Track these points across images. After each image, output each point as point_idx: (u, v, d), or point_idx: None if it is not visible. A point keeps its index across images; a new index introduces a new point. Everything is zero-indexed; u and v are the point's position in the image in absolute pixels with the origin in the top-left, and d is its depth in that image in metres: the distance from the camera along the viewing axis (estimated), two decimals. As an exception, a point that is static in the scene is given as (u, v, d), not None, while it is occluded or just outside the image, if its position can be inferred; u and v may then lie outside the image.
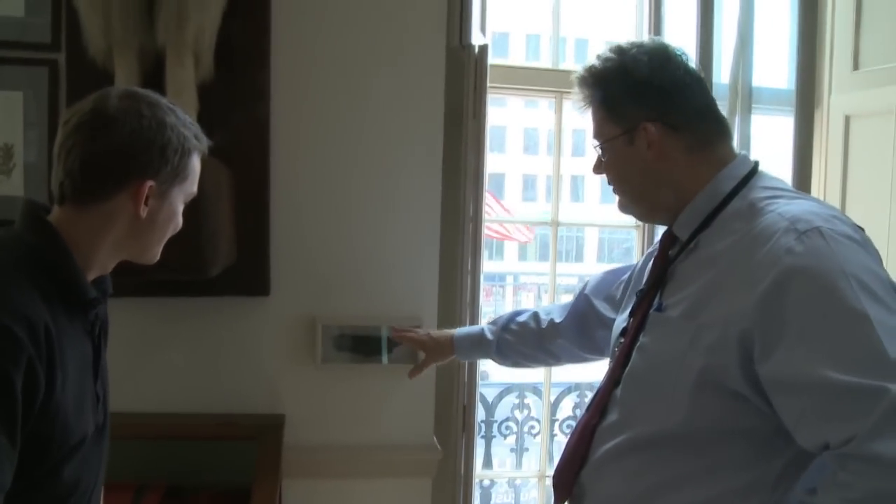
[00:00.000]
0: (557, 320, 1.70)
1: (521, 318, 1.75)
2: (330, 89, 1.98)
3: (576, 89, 1.32)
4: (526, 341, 1.73)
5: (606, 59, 1.28)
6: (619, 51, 1.28)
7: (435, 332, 1.88)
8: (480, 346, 1.77)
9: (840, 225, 1.09)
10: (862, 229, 1.13)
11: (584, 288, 1.71)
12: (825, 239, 1.05)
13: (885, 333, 0.98)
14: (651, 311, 1.25)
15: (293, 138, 1.97)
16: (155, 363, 1.99)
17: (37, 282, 1.05)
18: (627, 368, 1.25)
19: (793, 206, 1.14)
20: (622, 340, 1.30)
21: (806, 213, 1.11)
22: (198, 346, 2.00)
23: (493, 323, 1.79)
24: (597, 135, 1.29)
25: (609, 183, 1.33)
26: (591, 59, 1.30)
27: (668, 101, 1.24)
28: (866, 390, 0.96)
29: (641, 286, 1.34)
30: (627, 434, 1.22)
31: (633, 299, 1.34)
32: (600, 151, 1.30)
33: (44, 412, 1.02)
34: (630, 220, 2.59)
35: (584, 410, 1.36)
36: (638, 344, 1.24)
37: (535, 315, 1.74)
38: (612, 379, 1.29)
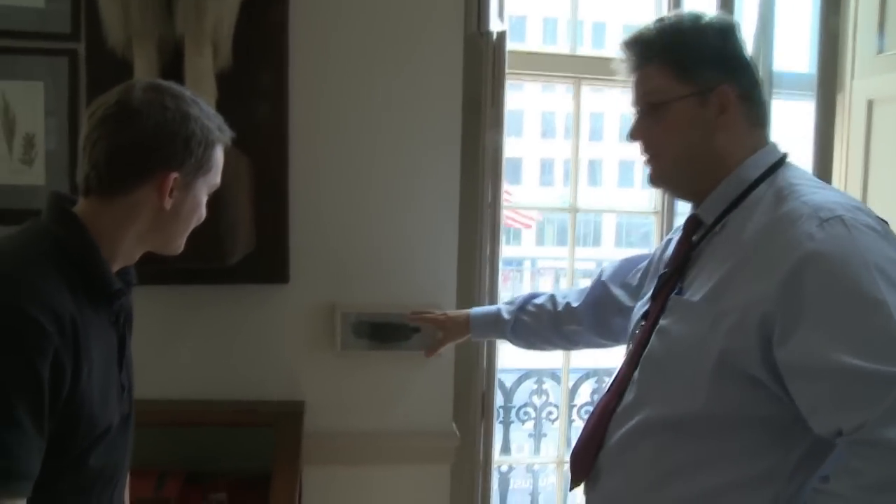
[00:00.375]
0: (574, 304, 1.70)
1: (538, 300, 1.76)
2: (348, 78, 1.99)
3: (631, 45, 1.28)
4: (542, 323, 1.73)
5: (678, 21, 1.26)
6: (693, 16, 1.26)
7: (452, 312, 1.90)
8: (496, 325, 1.78)
9: (863, 216, 1.09)
10: (885, 222, 1.13)
11: (601, 275, 1.71)
12: (847, 227, 1.05)
13: None
14: (672, 294, 1.25)
15: (311, 126, 1.98)
16: (175, 350, 2.00)
17: (63, 273, 1.06)
18: (646, 351, 1.25)
19: (817, 196, 1.14)
20: (643, 323, 1.30)
21: (830, 203, 1.11)
22: (218, 334, 2.02)
23: (510, 303, 1.80)
24: (653, 93, 1.24)
25: (646, 150, 1.29)
26: (652, 22, 1.28)
27: (743, 70, 1.24)
28: (879, 376, 0.97)
29: (663, 270, 1.34)
30: (643, 414, 1.22)
31: (655, 282, 1.34)
32: (655, 111, 1.25)
33: (70, 402, 1.03)
34: (649, 205, 2.61)
35: (601, 394, 1.36)
36: (658, 327, 1.24)
37: (552, 298, 1.75)
38: (632, 362, 1.29)
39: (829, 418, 1.01)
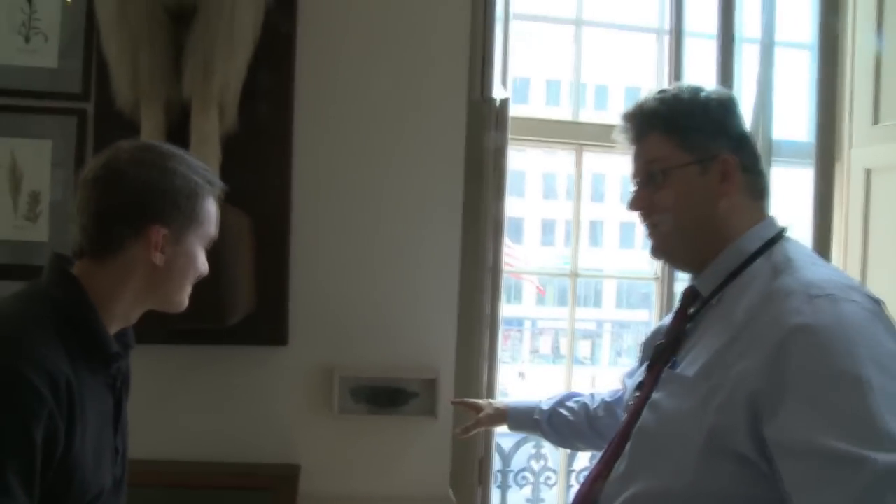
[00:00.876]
0: (608, 399, 1.69)
1: (577, 398, 1.75)
2: (351, 141, 2.01)
3: (631, 117, 1.30)
4: (579, 418, 1.71)
5: (679, 93, 1.28)
6: (693, 89, 1.28)
7: (494, 402, 1.91)
8: (533, 417, 1.77)
9: (855, 294, 1.08)
10: (879, 302, 1.12)
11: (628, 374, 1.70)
12: (835, 304, 1.05)
13: (884, 401, 0.96)
14: (666, 367, 1.24)
15: (314, 190, 1.99)
16: (171, 410, 1.99)
17: (61, 336, 1.06)
18: (638, 424, 1.24)
19: (811, 273, 1.14)
20: (637, 394, 1.29)
21: (823, 280, 1.11)
22: (215, 395, 2.00)
23: (550, 398, 1.79)
24: (654, 162, 1.25)
25: (647, 219, 1.29)
26: (652, 93, 1.30)
27: (744, 142, 1.26)
28: (849, 458, 0.94)
29: (660, 340, 1.33)
30: (633, 489, 1.20)
31: (652, 352, 1.33)
32: (656, 179, 1.25)
33: (62, 466, 1.02)
34: (650, 270, 2.61)
35: (594, 462, 1.35)
36: (651, 400, 1.23)
37: (591, 395, 1.74)
38: (625, 433, 1.27)
39: (809, 500, 0.99)
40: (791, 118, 2.66)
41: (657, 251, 1.32)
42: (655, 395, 1.23)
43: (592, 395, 1.73)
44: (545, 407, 1.75)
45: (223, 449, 1.99)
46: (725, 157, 1.23)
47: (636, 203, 1.30)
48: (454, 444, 2.10)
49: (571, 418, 1.71)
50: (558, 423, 1.73)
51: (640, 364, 1.42)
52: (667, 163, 1.24)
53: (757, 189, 1.26)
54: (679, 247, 1.30)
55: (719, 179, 1.23)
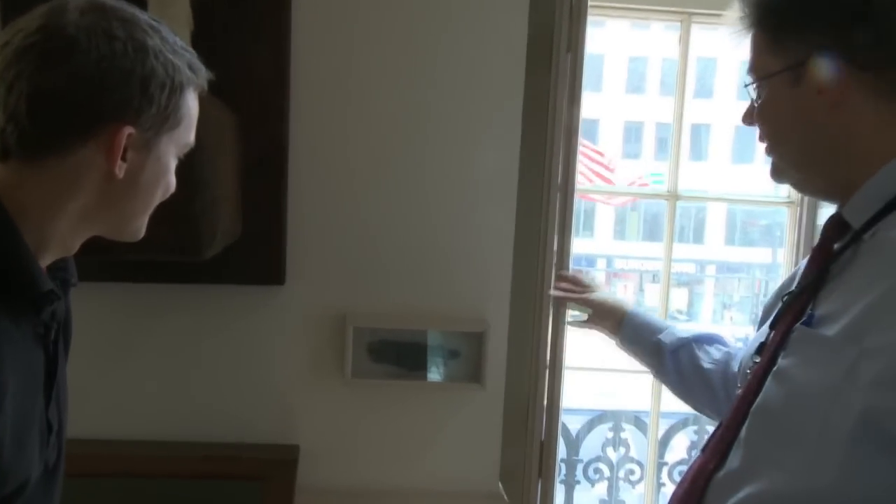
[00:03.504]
0: None
1: (722, 344, 1.76)
2: (369, 9, 1.98)
3: (736, 4, 1.29)
4: (716, 371, 1.72)
5: None
6: None
7: (610, 297, 1.98)
8: (656, 338, 1.82)
9: None
10: None
11: None
12: None
13: None
14: (798, 324, 1.21)
15: (321, 76, 1.97)
16: (130, 374, 2.01)
17: None
18: (758, 401, 1.23)
19: None
20: (757, 360, 1.28)
21: None
22: (187, 353, 2.02)
23: (685, 330, 1.81)
24: (751, 69, 1.28)
25: (761, 139, 1.31)
26: None
27: (852, 23, 1.19)
28: None
29: (792, 288, 1.31)
30: (750, 489, 1.19)
31: (779, 306, 1.31)
32: (753, 93, 1.29)
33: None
34: (777, 193, 2.55)
35: (698, 451, 1.34)
36: (775, 368, 1.22)
37: (738, 350, 1.73)
38: (739, 412, 1.26)
39: None
40: None
41: (778, 175, 1.32)
42: (783, 362, 1.21)
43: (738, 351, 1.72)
44: (677, 335, 1.78)
45: (199, 425, 2.01)
46: (815, 60, 1.19)
47: (746, 119, 1.32)
48: (506, 421, 2.11)
49: (708, 366, 1.72)
50: (687, 363, 1.75)
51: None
52: (760, 71, 1.26)
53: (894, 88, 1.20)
54: (801, 176, 1.30)
55: (816, 90, 1.20)
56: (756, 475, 1.20)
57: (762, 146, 1.32)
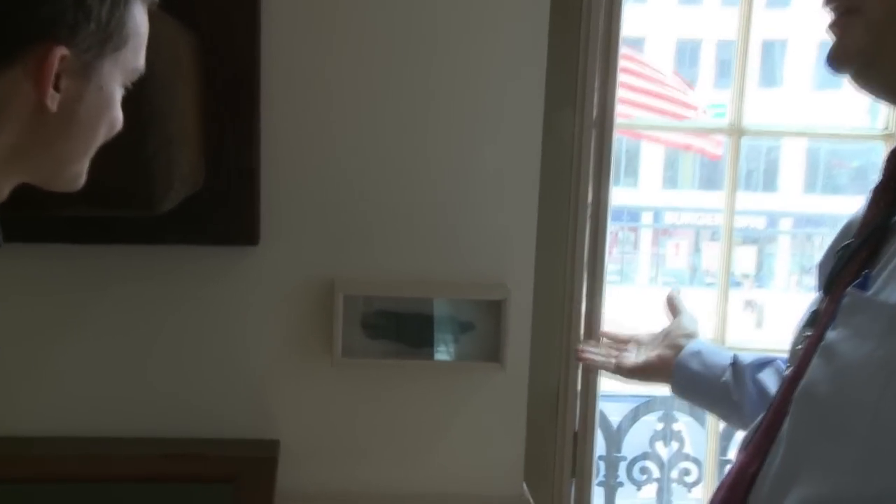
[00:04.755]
0: None
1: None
2: None
3: None
4: None
5: None
6: None
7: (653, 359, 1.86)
8: (721, 381, 1.72)
9: None
10: None
11: None
12: None
13: None
14: (851, 287, 1.16)
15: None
16: (69, 356, 2.00)
17: None
18: (802, 383, 1.19)
19: None
20: (808, 333, 1.25)
21: None
22: (140, 330, 2.01)
23: (752, 356, 1.73)
24: None
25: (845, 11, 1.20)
26: None
27: None
28: None
29: (848, 240, 1.26)
30: (797, 493, 1.15)
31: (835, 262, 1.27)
32: None
33: None
34: (869, 126, 2.45)
35: (740, 446, 1.32)
36: (822, 343, 1.18)
37: None
38: (785, 400, 1.21)
39: None
40: None
41: (844, 55, 1.20)
42: (831, 335, 1.17)
43: None
44: (747, 361, 1.70)
45: (156, 418, 2.01)
46: None
47: None
48: (531, 410, 2.09)
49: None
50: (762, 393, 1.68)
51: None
52: None
53: None
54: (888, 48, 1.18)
55: None
56: (799, 478, 1.16)
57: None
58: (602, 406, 2.38)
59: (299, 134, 1.97)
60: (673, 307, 1.89)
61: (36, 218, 1.70)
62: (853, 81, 1.26)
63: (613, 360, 1.90)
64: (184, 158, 1.77)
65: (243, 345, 2.03)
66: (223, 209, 1.93)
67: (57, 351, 1.99)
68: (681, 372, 1.78)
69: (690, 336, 1.83)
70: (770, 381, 1.67)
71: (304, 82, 1.96)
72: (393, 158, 1.99)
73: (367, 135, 1.98)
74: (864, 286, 1.13)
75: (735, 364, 1.71)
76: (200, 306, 2.01)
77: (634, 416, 3.07)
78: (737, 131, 2.44)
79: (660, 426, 3.04)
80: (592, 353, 1.97)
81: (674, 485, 3.04)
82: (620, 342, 1.95)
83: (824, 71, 1.28)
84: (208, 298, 2.01)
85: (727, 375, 1.71)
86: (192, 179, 1.83)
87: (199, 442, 2.00)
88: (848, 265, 1.20)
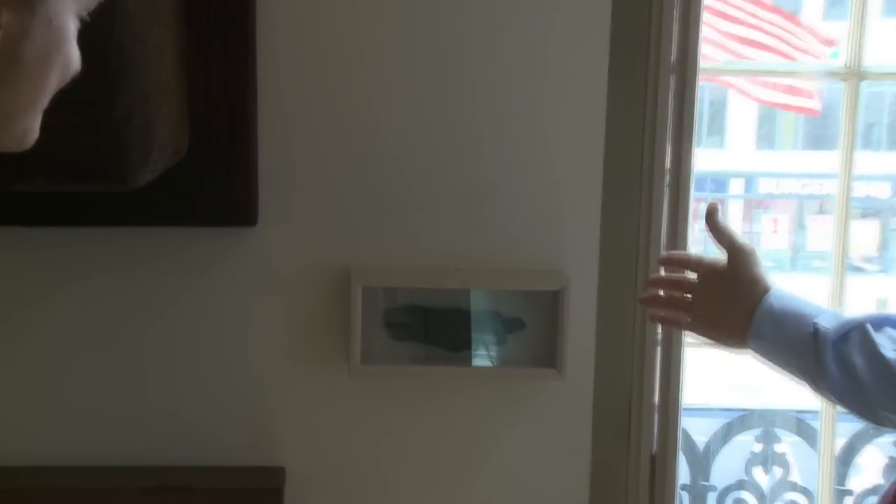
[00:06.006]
0: None
1: None
2: None
3: None
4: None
5: None
6: None
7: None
8: (812, 327, 1.66)
9: None
10: None
11: None
12: None
13: None
14: None
15: None
16: (24, 366, 1.98)
17: None
18: None
19: None
20: None
21: None
22: (113, 332, 1.98)
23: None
24: None
25: None
26: None
27: None
28: None
29: None
30: None
31: None
32: None
33: None
34: None
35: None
36: None
37: None
38: None
39: None
40: None
41: None
42: None
43: None
44: (840, 318, 1.65)
45: (137, 443, 1.99)
46: None
47: None
48: (597, 424, 2.06)
49: (892, 354, 1.61)
50: (860, 355, 1.62)
51: None
52: None
53: None
54: None
55: None
56: None
57: None
58: (685, 422, 2.33)
59: (306, 85, 1.94)
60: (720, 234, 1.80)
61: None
62: None
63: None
64: (163, 119, 1.74)
65: (241, 351, 2.01)
66: (213, 182, 1.90)
67: (9, 358, 1.97)
68: (774, 304, 1.70)
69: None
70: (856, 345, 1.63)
71: (312, 16, 1.93)
72: (424, 118, 1.97)
73: (391, 87, 1.96)
74: None
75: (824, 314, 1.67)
76: (187, 303, 1.99)
77: (726, 435, 3.01)
78: (854, 75, 2.39)
79: (758, 448, 2.97)
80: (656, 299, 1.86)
81: (778, 519, 2.98)
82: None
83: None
84: (196, 294, 1.99)
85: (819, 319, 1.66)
86: (174, 146, 1.80)
87: (189, 471, 1.98)
88: None
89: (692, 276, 1.76)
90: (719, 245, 1.76)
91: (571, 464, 2.05)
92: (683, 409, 2.17)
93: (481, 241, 1.97)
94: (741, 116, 16.41)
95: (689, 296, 1.74)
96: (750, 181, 14.47)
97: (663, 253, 1.96)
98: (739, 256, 1.70)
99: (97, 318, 1.97)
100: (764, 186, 14.28)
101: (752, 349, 1.71)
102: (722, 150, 15.84)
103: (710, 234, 1.78)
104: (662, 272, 1.89)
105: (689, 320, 1.74)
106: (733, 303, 1.68)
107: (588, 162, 1.96)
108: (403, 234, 1.97)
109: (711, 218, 1.77)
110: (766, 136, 16.84)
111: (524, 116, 1.95)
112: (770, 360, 1.73)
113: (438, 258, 1.97)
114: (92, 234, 1.91)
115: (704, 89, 5.19)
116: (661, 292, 1.83)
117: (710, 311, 1.72)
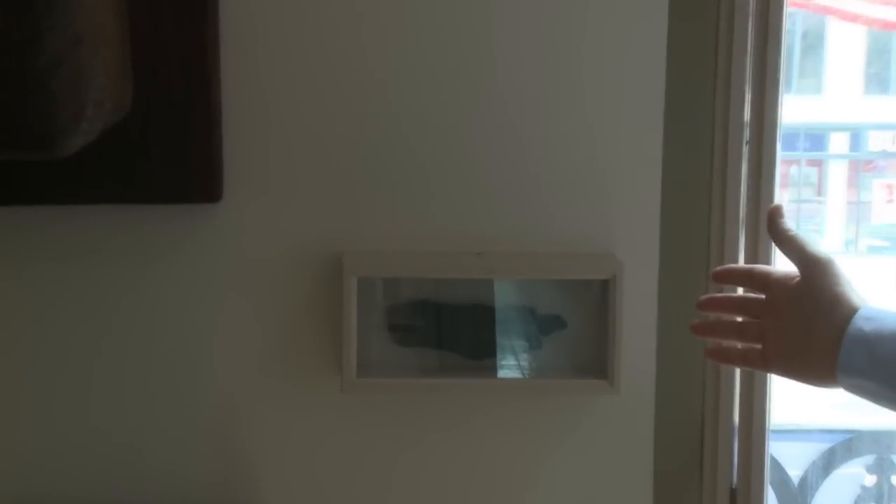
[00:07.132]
0: None
1: None
2: None
3: None
4: None
5: None
6: None
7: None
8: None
9: None
10: None
11: None
12: None
13: None
14: None
15: None
16: None
17: None
18: None
19: None
20: None
21: None
22: (45, 333, 1.91)
23: None
24: None
25: None
26: None
27: None
28: None
29: None
30: None
31: None
32: None
33: None
34: None
35: None
36: None
37: None
38: None
39: None
40: None
41: None
42: None
43: None
44: None
45: (80, 480, 1.93)
46: None
47: None
48: (660, 451, 1.99)
49: None
50: None
51: None
52: None
53: None
54: None
55: None
56: None
57: None
58: (774, 448, 2.30)
59: (286, 22, 1.88)
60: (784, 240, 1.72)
61: None
62: None
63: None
64: (100, 68, 1.67)
65: (205, 364, 1.96)
66: (164, 148, 1.85)
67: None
68: (855, 338, 1.59)
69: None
70: None
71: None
72: (429, 67, 1.92)
73: (392, 29, 1.90)
74: None
75: None
76: (135, 304, 1.94)
77: (828, 464, 2.99)
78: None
79: (870, 480, 2.92)
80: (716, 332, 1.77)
81: (898, 562, 2.92)
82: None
83: None
84: (145, 291, 1.95)
85: None
86: (115, 100, 1.73)
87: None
88: None
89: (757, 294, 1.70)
90: (787, 256, 1.67)
91: (629, 499, 1.99)
92: (771, 431, 2.11)
93: (507, 219, 1.91)
94: (844, 51, 16.22)
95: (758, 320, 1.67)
96: (856, 136, 14.25)
97: (717, 268, 1.83)
98: (814, 270, 1.60)
99: (22, 318, 1.90)
100: (874, 142, 14.07)
101: (844, 387, 1.59)
102: (819, 96, 15.59)
103: (775, 242, 1.70)
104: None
105: (760, 355, 1.65)
106: (810, 330, 1.57)
107: (644, 113, 1.90)
108: (409, 210, 1.92)
109: (774, 223, 1.69)
110: (878, 77, 16.54)
111: (557, 51, 1.89)
112: (868, 398, 1.61)
113: (454, 241, 1.91)
114: (14, 214, 1.85)
115: (796, 17, 5.07)
116: (720, 316, 1.77)
117: (784, 344, 1.63)
